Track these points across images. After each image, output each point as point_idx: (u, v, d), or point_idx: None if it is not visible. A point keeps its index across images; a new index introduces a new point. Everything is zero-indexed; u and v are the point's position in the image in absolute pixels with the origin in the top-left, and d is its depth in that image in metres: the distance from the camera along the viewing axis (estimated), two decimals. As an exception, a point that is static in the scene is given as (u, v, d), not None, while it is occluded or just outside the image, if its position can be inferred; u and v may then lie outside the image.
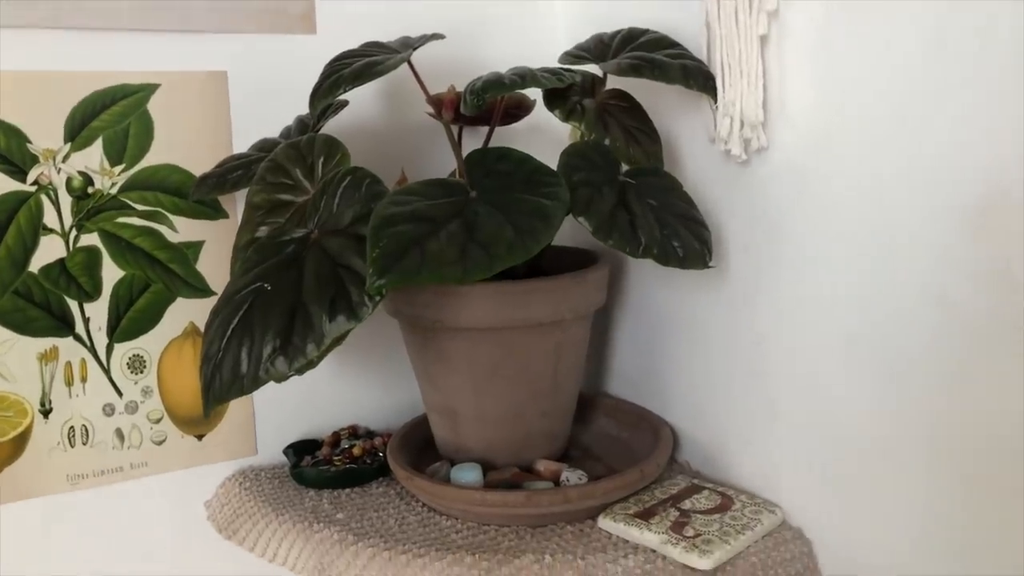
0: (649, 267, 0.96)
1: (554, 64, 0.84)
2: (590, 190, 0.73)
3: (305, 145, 0.78)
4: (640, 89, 0.85)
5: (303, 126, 0.88)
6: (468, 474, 0.85)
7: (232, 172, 0.83)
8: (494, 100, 0.80)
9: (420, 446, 0.94)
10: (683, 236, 0.74)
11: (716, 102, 0.79)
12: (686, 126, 0.86)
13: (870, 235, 0.69)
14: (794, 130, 0.75)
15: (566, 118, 0.77)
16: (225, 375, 0.67)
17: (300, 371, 0.66)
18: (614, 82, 0.84)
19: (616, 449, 0.95)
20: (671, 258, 0.73)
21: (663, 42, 0.83)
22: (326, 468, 0.92)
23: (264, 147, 0.87)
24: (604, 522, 0.79)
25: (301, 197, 0.78)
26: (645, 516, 0.77)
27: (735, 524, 0.76)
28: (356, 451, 0.94)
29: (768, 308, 0.79)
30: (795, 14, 0.73)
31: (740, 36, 0.75)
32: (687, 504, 0.80)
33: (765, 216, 0.78)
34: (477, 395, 0.86)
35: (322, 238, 0.70)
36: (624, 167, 0.78)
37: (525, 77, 0.73)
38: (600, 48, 0.86)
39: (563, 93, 0.79)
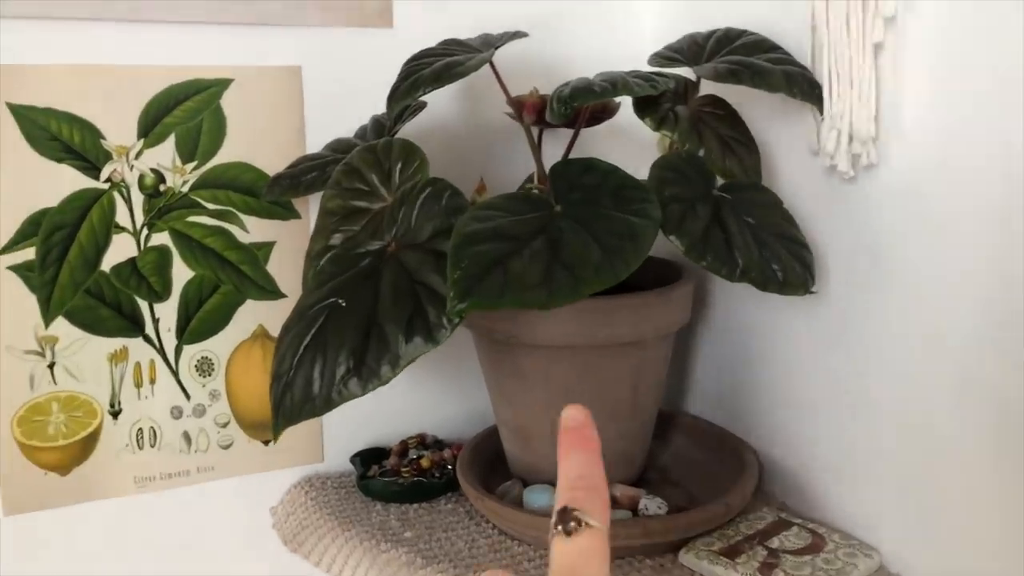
0: (737, 285, 0.90)
1: (641, 65, 0.79)
2: (683, 206, 0.68)
3: (382, 149, 0.75)
4: (731, 96, 0.79)
5: (379, 126, 0.84)
6: (541, 496, 0.81)
7: (306, 174, 0.80)
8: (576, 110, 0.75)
9: (491, 460, 0.91)
10: (783, 258, 0.69)
11: (821, 113, 0.72)
12: (783, 137, 0.80)
13: (990, 267, 0.63)
14: (908, 147, 0.68)
15: (657, 127, 0.72)
16: (296, 395, 0.64)
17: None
18: (708, 87, 0.79)
19: (695, 473, 0.90)
20: (770, 282, 0.67)
21: (762, 45, 0.77)
22: (393, 480, 0.89)
23: (338, 147, 0.84)
24: (686, 558, 0.74)
25: (377, 204, 0.74)
26: (731, 554, 0.73)
27: (829, 568, 0.70)
28: (424, 463, 0.91)
29: (873, 339, 0.73)
30: (915, 20, 0.66)
31: (851, 43, 0.69)
32: (775, 542, 0.75)
33: (872, 239, 0.72)
34: (551, 414, 0.81)
35: (400, 252, 0.66)
36: (719, 181, 0.72)
37: (616, 84, 0.68)
38: (693, 50, 0.80)
39: (655, 99, 0.73)
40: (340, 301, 0.64)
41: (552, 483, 0.85)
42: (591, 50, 0.98)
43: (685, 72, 0.79)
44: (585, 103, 0.68)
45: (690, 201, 0.69)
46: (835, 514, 0.80)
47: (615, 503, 0.82)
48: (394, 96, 0.77)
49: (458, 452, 0.92)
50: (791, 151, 0.80)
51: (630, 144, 0.90)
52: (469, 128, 0.96)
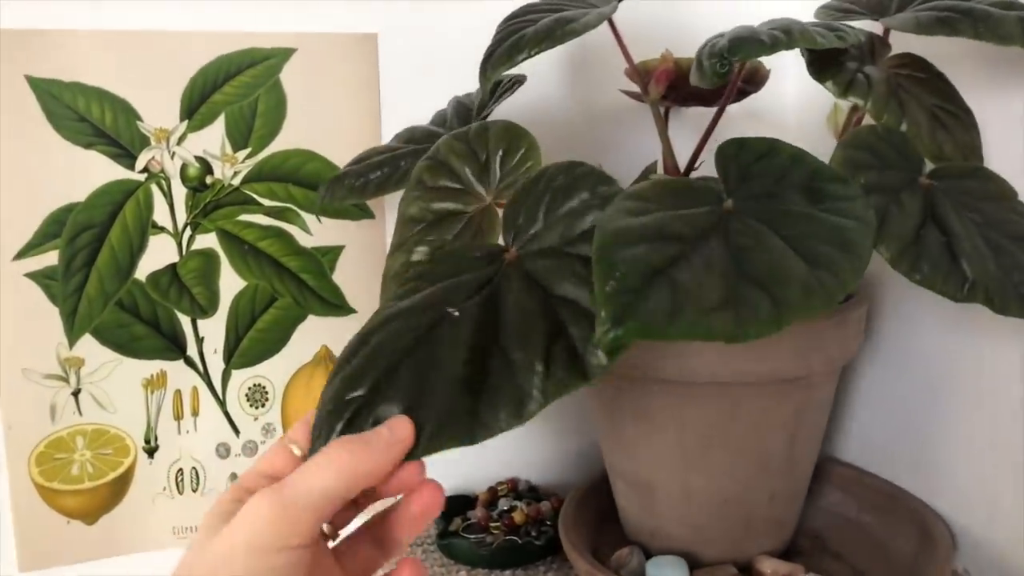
0: (916, 300, 0.71)
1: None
2: (884, 199, 0.50)
3: (476, 136, 0.59)
4: (923, 54, 0.61)
5: (463, 110, 0.69)
6: (670, 573, 0.63)
7: (375, 170, 0.64)
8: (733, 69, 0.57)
9: (600, 517, 0.73)
10: (1026, 270, 0.50)
11: (1070, 72, 0.53)
12: (996, 110, 0.61)
13: None
14: None
15: (844, 92, 0.54)
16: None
17: None
18: (898, 46, 0.61)
19: (859, 540, 0.71)
20: (1010, 302, 0.49)
21: (977, -12, 0.58)
22: (481, 539, 0.73)
23: (413, 137, 0.68)
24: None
25: (473, 206, 0.58)
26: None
27: None
28: (518, 518, 0.74)
29: None
30: None
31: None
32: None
33: None
34: (686, 468, 0.64)
35: (524, 260, 0.49)
36: (928, 165, 0.54)
37: (792, 33, 0.50)
38: (876, -1, 0.62)
39: (836, 59, 0.56)
40: (452, 311, 0.46)
41: (683, 554, 0.68)
42: (724, 14, 0.80)
43: (868, 26, 0.60)
44: (750, 57, 0.51)
45: (893, 192, 0.51)
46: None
47: (764, 582, 0.65)
48: (489, 61, 0.61)
49: (559, 505, 0.76)
50: (1009, 128, 0.60)
51: (778, 129, 0.72)
52: (576, 107, 0.79)
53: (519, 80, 0.66)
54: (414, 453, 0.41)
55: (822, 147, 0.63)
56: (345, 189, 0.65)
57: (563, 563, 0.72)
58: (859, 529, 0.73)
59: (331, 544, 0.42)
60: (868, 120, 0.56)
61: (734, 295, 0.40)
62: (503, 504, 0.78)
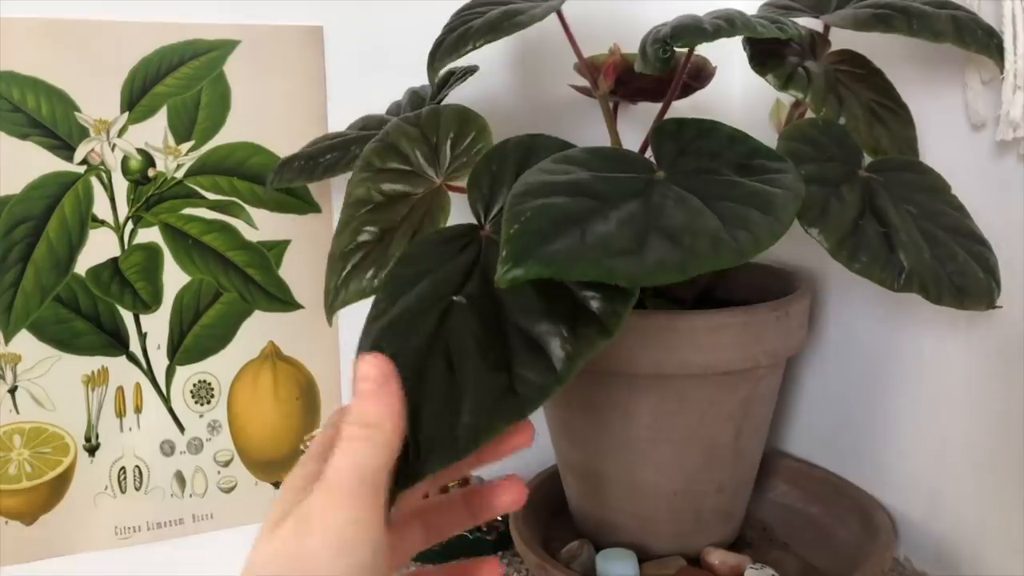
0: (858, 293, 0.72)
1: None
2: (824, 190, 0.51)
3: (427, 119, 0.58)
4: (862, 51, 0.62)
5: (417, 101, 0.68)
6: (620, 566, 0.64)
7: (324, 153, 0.63)
8: (675, 61, 0.58)
9: (550, 511, 0.74)
10: (960, 259, 0.51)
11: (1001, 69, 0.55)
12: (929, 105, 0.62)
13: None
14: None
15: (784, 85, 0.55)
16: (427, 436, 0.40)
17: None
18: (837, 42, 0.62)
19: (806, 531, 0.72)
20: (945, 292, 0.50)
21: (912, -14, 0.59)
22: (430, 534, 0.72)
23: (367, 126, 0.68)
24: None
25: (421, 188, 0.57)
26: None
27: None
28: (468, 513, 0.74)
29: (1068, 367, 0.55)
30: None
31: (1051, -29, 0.51)
32: (933, 637, 0.57)
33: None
34: (633, 460, 0.64)
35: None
36: (866, 158, 0.55)
37: (734, 22, 0.51)
38: (817, -5, 0.63)
39: (777, 52, 0.56)
40: (458, 298, 0.44)
41: (632, 547, 0.68)
42: (676, 11, 0.81)
43: (808, 23, 0.61)
44: (693, 44, 0.51)
45: (833, 183, 0.51)
46: (1005, 596, 0.61)
47: (711, 573, 0.65)
48: (437, 52, 0.61)
49: (510, 500, 0.75)
50: (941, 124, 0.62)
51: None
52: (526, 101, 0.79)
53: (470, 70, 0.66)
54: (470, 448, 0.39)
55: (766, 142, 0.64)
56: (294, 171, 0.64)
57: (514, 557, 0.72)
58: (805, 520, 0.74)
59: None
60: (810, 115, 0.57)
61: (641, 243, 0.40)
62: (453, 500, 0.77)
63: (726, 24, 0.50)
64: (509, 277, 0.39)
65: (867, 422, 0.73)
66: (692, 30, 0.50)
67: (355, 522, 0.34)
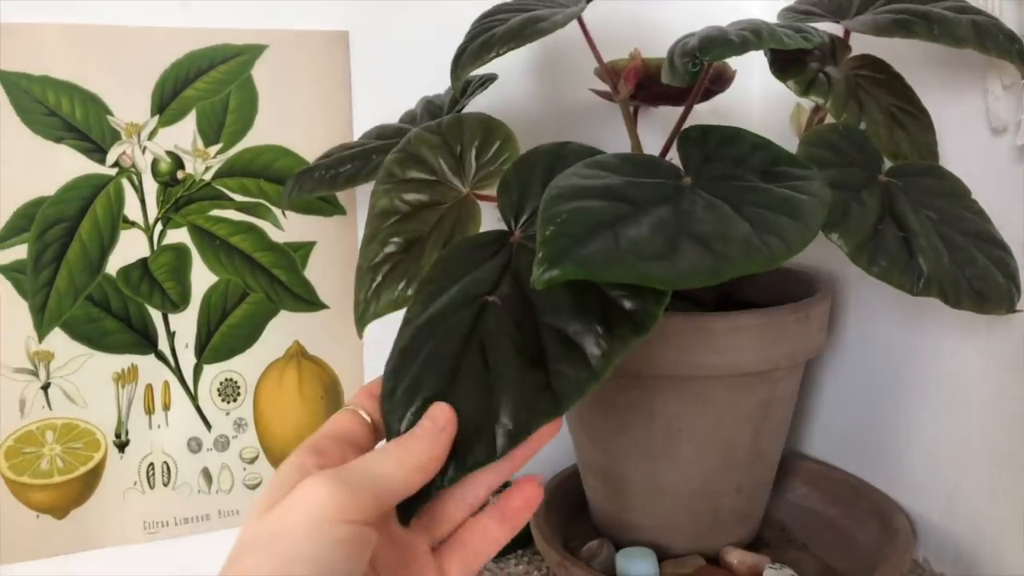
0: (878, 296, 0.72)
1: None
2: (845, 195, 0.51)
3: (450, 128, 0.59)
4: (882, 56, 0.62)
5: (433, 108, 0.69)
6: (639, 564, 0.64)
7: (345, 164, 0.64)
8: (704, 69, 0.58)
9: (570, 510, 0.75)
10: (980, 264, 0.52)
11: (1022, 74, 0.55)
12: (950, 110, 0.62)
13: None
14: None
15: (805, 91, 0.55)
16: (467, 434, 0.41)
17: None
18: (858, 47, 0.62)
19: (824, 532, 0.72)
20: (964, 296, 0.50)
21: (933, -9, 0.60)
22: (452, 531, 0.73)
23: (381, 134, 0.69)
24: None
25: (449, 198, 0.58)
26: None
27: None
28: (489, 511, 0.75)
29: (1089, 371, 0.55)
30: None
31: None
32: (952, 638, 0.57)
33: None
34: (654, 461, 0.65)
35: (531, 240, 0.48)
36: (886, 163, 0.55)
37: (761, 33, 0.52)
38: (837, 1, 0.63)
39: (799, 59, 0.57)
40: (492, 298, 0.46)
41: (652, 546, 0.69)
42: (695, 16, 0.81)
43: (829, 28, 0.62)
44: (721, 57, 0.52)
45: (854, 188, 0.52)
46: (1024, 599, 0.61)
47: (730, 572, 0.66)
48: (460, 60, 0.61)
49: (530, 499, 0.76)
50: (961, 129, 0.62)
51: (743, 127, 0.73)
52: (547, 106, 0.80)
53: (490, 78, 0.67)
54: (510, 446, 0.41)
55: (786, 146, 0.64)
56: (314, 182, 0.65)
57: (534, 555, 0.73)
58: (824, 521, 0.74)
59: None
60: (830, 120, 0.58)
61: (675, 248, 0.41)
62: (474, 498, 0.78)
63: (753, 36, 0.51)
64: (545, 278, 0.40)
65: (886, 424, 0.73)
66: (720, 43, 0.51)
67: (341, 511, 0.35)
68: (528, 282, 0.44)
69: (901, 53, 0.62)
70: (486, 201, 0.58)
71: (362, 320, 0.59)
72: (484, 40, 0.61)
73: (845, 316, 0.77)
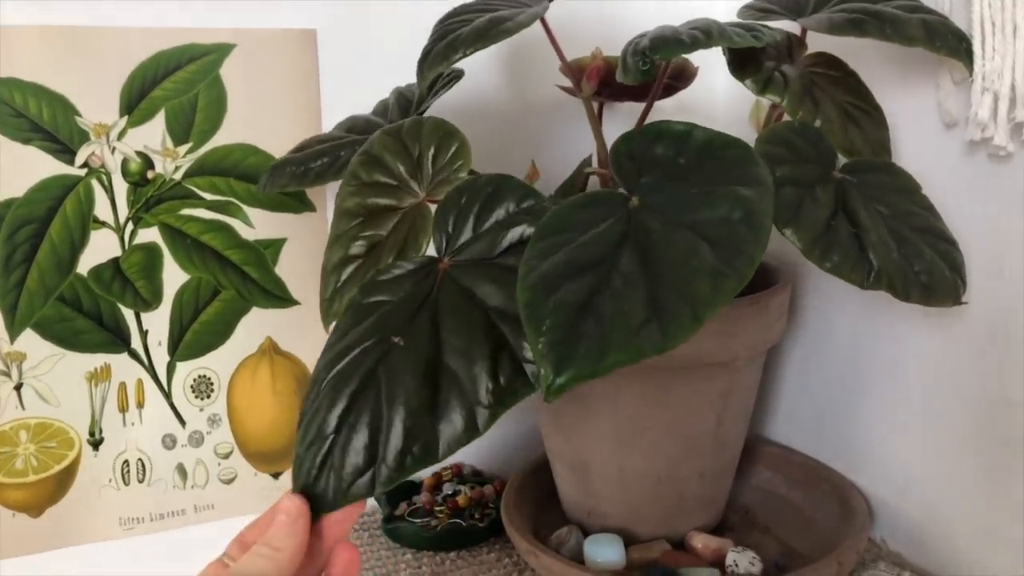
0: (836, 284, 0.74)
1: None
2: (798, 191, 0.53)
3: (409, 131, 0.60)
4: (838, 53, 0.64)
5: (404, 101, 0.70)
6: (606, 550, 0.66)
7: (315, 159, 0.65)
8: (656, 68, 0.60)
9: (540, 499, 0.76)
10: (927, 258, 0.54)
11: (970, 71, 0.57)
12: (903, 106, 0.64)
13: None
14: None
15: (762, 90, 0.57)
16: (341, 471, 0.45)
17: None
18: (814, 45, 0.64)
19: (786, 515, 0.75)
20: (912, 289, 0.52)
21: (885, -10, 0.62)
22: (426, 522, 0.75)
23: (353, 127, 0.69)
24: (793, 634, 0.59)
25: (407, 201, 0.59)
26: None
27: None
28: (462, 501, 0.77)
29: (1032, 359, 0.58)
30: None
31: (1016, -22, 0.54)
32: (905, 615, 0.60)
33: (1035, 233, 0.57)
34: (620, 449, 0.67)
35: (457, 270, 0.50)
36: (840, 159, 0.57)
37: (711, 33, 0.53)
38: None
39: (755, 57, 0.58)
40: (397, 339, 0.48)
41: (619, 532, 0.71)
42: (656, 14, 0.83)
43: (787, 26, 0.63)
44: (671, 56, 0.53)
45: (808, 184, 0.54)
46: (973, 572, 0.64)
47: (694, 555, 0.68)
48: (426, 60, 0.62)
49: (501, 488, 0.78)
50: (914, 123, 0.64)
51: (708, 123, 0.75)
52: (513, 102, 0.81)
53: (457, 75, 0.68)
54: (376, 486, 0.44)
55: (748, 140, 0.66)
56: (286, 176, 0.66)
57: (506, 544, 0.74)
58: (786, 504, 0.76)
59: None
60: (787, 117, 0.59)
61: (654, 307, 0.43)
62: (447, 488, 0.80)
63: (703, 35, 0.52)
64: (556, 387, 0.42)
65: (845, 409, 0.76)
66: (670, 42, 0.52)
67: None
68: (442, 317, 0.47)
69: (855, 50, 0.64)
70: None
71: (326, 318, 0.61)
72: (450, 41, 0.62)
73: (804, 304, 0.79)
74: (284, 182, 0.65)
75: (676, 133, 0.51)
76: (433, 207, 0.59)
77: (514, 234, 0.50)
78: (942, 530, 0.67)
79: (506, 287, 0.47)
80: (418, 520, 0.75)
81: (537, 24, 0.63)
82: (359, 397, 0.46)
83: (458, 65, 0.66)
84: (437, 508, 0.76)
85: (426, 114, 0.65)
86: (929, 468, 0.67)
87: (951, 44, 0.56)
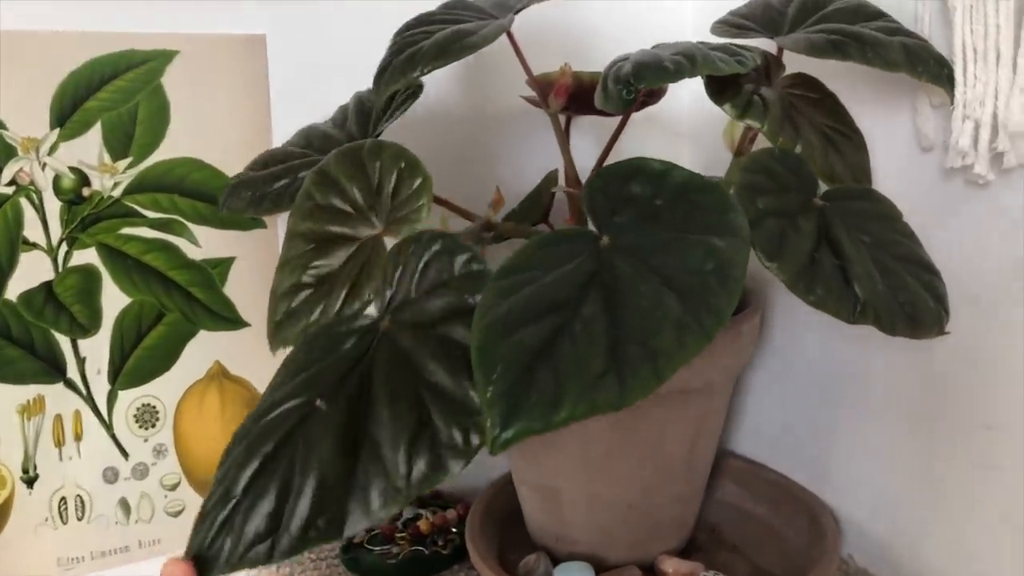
0: (807, 306, 0.74)
1: (684, 38, 0.62)
2: (781, 222, 0.51)
3: (369, 153, 0.56)
4: (813, 72, 0.62)
5: (364, 108, 0.66)
6: (578, 581, 0.64)
7: (272, 182, 0.61)
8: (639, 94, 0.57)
9: (504, 521, 0.74)
10: (912, 289, 0.53)
11: (951, 98, 0.56)
12: (881, 128, 0.63)
13: None
14: (1073, 142, 0.52)
15: (741, 115, 0.55)
16: (242, 535, 0.42)
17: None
18: (789, 63, 0.62)
19: (755, 532, 0.74)
20: (898, 322, 0.51)
21: (863, 10, 0.60)
22: (387, 550, 0.72)
23: (309, 142, 0.65)
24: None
25: (363, 232, 0.56)
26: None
27: None
28: (424, 527, 0.74)
29: (1008, 386, 0.58)
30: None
31: (1000, 4, 0.52)
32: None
33: (1010, 260, 0.56)
34: (590, 477, 0.65)
35: (396, 331, 0.47)
36: (821, 186, 0.56)
37: (695, 59, 0.51)
38: (769, 16, 0.63)
39: (734, 79, 0.56)
40: (319, 403, 0.45)
41: (588, 558, 0.69)
42: (623, 19, 0.80)
43: (762, 44, 0.62)
44: (656, 84, 0.51)
45: (790, 215, 0.52)
46: (945, 597, 0.64)
47: (666, 582, 0.67)
48: (384, 75, 0.59)
49: (464, 512, 0.76)
50: (890, 148, 0.63)
51: (664, 135, 0.73)
52: (472, 113, 0.78)
53: (415, 92, 0.64)
54: (275, 555, 0.41)
55: (719, 158, 0.65)
56: (243, 201, 0.62)
57: (470, 570, 0.72)
58: (753, 520, 0.76)
59: None
60: (763, 138, 0.58)
61: (614, 356, 0.40)
62: (406, 512, 0.77)
63: (687, 62, 0.50)
64: (501, 443, 0.39)
65: (813, 427, 0.75)
66: (654, 70, 0.50)
67: None
68: (375, 382, 0.44)
69: (830, 69, 0.62)
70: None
71: (273, 345, 0.58)
72: (410, 55, 0.58)
73: (772, 320, 0.78)
74: (241, 207, 0.60)
75: (653, 172, 0.49)
76: (389, 242, 0.56)
77: (455, 300, 0.47)
78: (911, 548, 0.67)
79: (446, 359, 0.44)
80: (377, 548, 0.73)
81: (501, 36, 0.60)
82: (274, 459, 0.43)
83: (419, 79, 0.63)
84: (398, 535, 0.74)
85: (383, 136, 0.61)
86: (900, 486, 0.67)
87: (932, 70, 0.55)
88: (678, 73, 0.50)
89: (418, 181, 0.53)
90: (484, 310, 0.43)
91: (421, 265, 0.48)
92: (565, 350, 0.41)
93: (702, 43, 0.56)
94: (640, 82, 0.50)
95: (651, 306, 0.42)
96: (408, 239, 0.50)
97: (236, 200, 0.61)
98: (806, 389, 0.75)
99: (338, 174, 0.57)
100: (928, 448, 0.64)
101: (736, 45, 0.56)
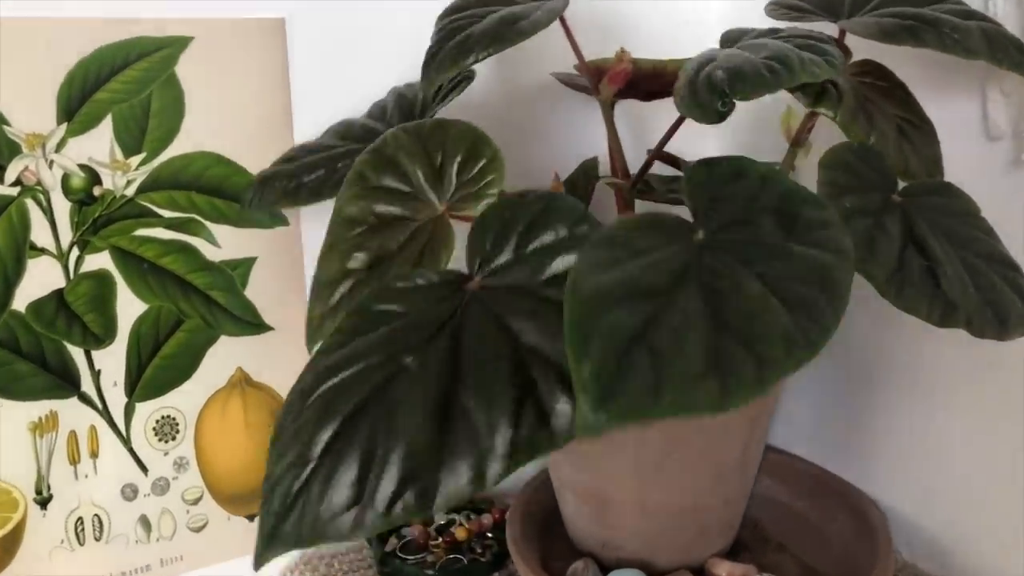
0: (852, 294, 0.72)
1: (726, 24, 0.58)
2: (868, 223, 0.49)
3: (431, 133, 0.53)
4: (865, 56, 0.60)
5: (405, 104, 0.62)
6: (634, 590, 0.62)
7: (308, 172, 0.57)
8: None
9: (544, 526, 0.71)
10: (999, 289, 0.50)
11: (1028, 84, 0.54)
12: (944, 117, 0.61)
13: None
14: None
15: (814, 103, 0.52)
16: (317, 506, 0.39)
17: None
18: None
19: (799, 530, 0.72)
20: (987, 326, 0.49)
21: (929, -9, 0.57)
22: (421, 558, 0.69)
23: (348, 134, 0.61)
24: None
25: (423, 215, 0.52)
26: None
27: None
28: (460, 534, 0.71)
29: (1082, 383, 0.56)
30: None
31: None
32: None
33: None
34: (641, 482, 0.62)
35: (489, 293, 0.44)
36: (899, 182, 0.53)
37: (792, 67, 0.47)
38: (828, -1, 0.60)
39: (804, 67, 0.53)
40: (408, 360, 0.41)
41: (636, 563, 0.67)
42: (651, 10, 0.76)
43: (822, 27, 0.58)
44: (751, 96, 0.47)
45: (875, 215, 0.49)
46: (1002, 592, 0.63)
47: (719, 586, 0.65)
48: (433, 63, 0.55)
49: (500, 516, 0.73)
50: (955, 137, 0.60)
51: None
52: (506, 91, 0.73)
53: (467, 77, 0.60)
54: (359, 531, 0.37)
55: (773, 147, 0.62)
56: (276, 193, 0.57)
57: (511, 577, 0.70)
58: (793, 516, 0.74)
59: None
60: (819, 126, 0.55)
61: (716, 357, 0.37)
62: (441, 519, 0.74)
63: (785, 69, 0.46)
64: (596, 425, 0.35)
65: (853, 415, 0.74)
66: (752, 80, 0.46)
67: None
68: (465, 345, 0.41)
69: (887, 52, 0.60)
70: (462, 222, 0.52)
71: (313, 339, 0.53)
72: (461, 41, 0.54)
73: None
74: (273, 199, 0.56)
75: (757, 174, 0.46)
76: (454, 223, 0.52)
77: (562, 264, 0.44)
78: (959, 541, 0.66)
79: (548, 323, 0.42)
80: (411, 557, 0.70)
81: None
82: (354, 421, 0.40)
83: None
84: (432, 543, 0.71)
85: (438, 116, 0.57)
86: (954, 482, 0.66)
87: (1014, 58, 0.52)
88: (777, 83, 0.47)
89: (487, 157, 0.51)
90: (579, 279, 0.40)
91: (522, 227, 0.45)
92: (665, 339, 0.38)
93: (774, 32, 0.53)
94: (736, 94, 0.46)
95: (758, 311, 0.39)
96: (504, 201, 0.47)
97: (269, 193, 0.56)
98: (845, 378, 0.73)
99: (396, 152, 0.53)
100: (986, 443, 0.63)
101: (812, 37, 0.53)
